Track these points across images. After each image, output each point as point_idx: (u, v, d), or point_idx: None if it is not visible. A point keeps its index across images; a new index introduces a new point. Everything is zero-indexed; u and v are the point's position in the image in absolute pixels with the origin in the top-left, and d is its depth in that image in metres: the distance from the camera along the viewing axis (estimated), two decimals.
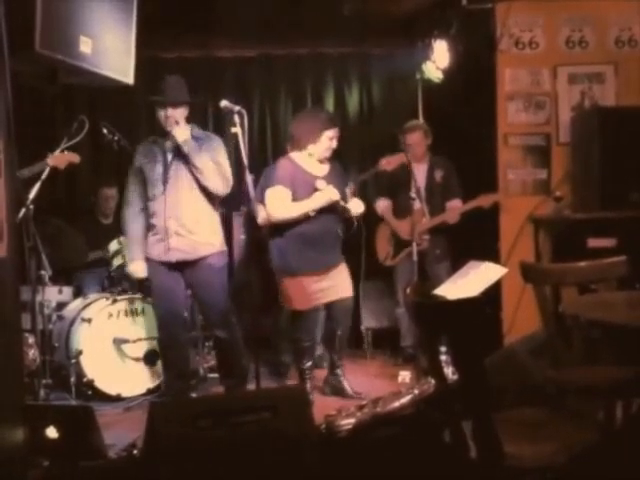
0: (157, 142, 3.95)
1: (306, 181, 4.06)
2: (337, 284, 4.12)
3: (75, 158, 4.31)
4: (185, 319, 4.16)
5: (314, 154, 4.11)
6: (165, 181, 3.86)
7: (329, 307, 4.19)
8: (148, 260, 3.97)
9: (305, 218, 4.03)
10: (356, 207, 4.15)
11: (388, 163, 4.46)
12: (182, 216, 3.86)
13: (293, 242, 4.06)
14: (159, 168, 3.88)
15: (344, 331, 4.23)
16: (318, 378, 4.36)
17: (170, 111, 3.82)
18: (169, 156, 3.90)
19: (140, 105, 5.74)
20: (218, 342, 4.06)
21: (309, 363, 4.20)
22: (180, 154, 3.85)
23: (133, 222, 3.98)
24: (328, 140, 4.09)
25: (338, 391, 4.20)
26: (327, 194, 4.03)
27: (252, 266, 4.06)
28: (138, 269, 3.98)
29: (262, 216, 4.83)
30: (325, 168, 4.17)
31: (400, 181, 4.70)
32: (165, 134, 3.90)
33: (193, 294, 4.10)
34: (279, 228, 4.10)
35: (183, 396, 3.96)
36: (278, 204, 4.05)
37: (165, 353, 4.07)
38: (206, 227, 3.92)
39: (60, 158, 4.22)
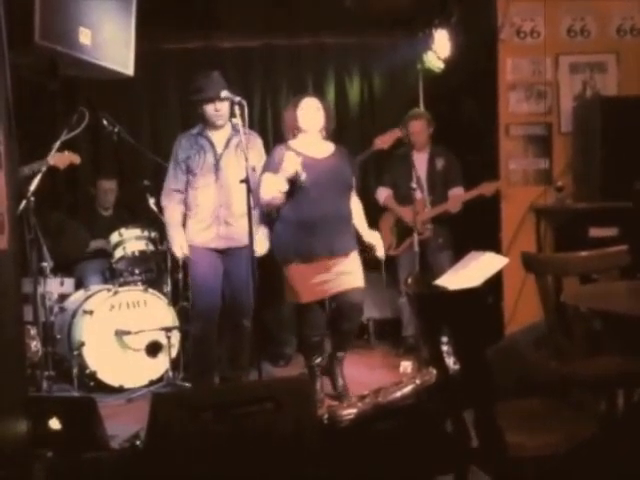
0: (203, 134, 4.04)
1: (304, 164, 3.83)
2: (344, 274, 3.89)
3: (76, 159, 4.31)
4: (218, 313, 4.07)
5: (303, 132, 3.99)
6: (217, 170, 3.96)
7: (335, 300, 3.95)
8: (191, 247, 4.03)
9: (303, 200, 3.82)
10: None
11: (383, 142, 4.44)
12: (232, 205, 3.95)
13: (290, 227, 3.89)
14: (210, 158, 3.99)
15: (352, 327, 4.02)
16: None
17: (219, 105, 3.94)
18: (219, 147, 4.01)
19: (141, 97, 5.74)
20: (237, 332, 4.04)
21: (318, 359, 4.04)
22: (230, 145, 3.99)
23: (175, 210, 4.08)
24: (300, 111, 3.97)
25: (328, 373, 4.09)
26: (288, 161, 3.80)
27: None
28: (182, 249, 4.04)
29: None
30: (326, 151, 4.00)
31: (401, 170, 4.69)
32: (205, 126, 4.05)
33: (229, 282, 4.05)
34: (278, 214, 4.00)
35: (185, 387, 3.96)
36: (262, 188, 3.91)
37: (196, 346, 4.06)
38: (246, 218, 3.92)
39: (61, 158, 4.22)
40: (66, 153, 4.25)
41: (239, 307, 4.01)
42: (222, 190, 3.96)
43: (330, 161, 3.98)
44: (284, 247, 3.94)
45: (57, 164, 4.20)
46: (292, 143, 4.00)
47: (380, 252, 4.09)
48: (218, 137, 4.04)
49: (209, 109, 3.97)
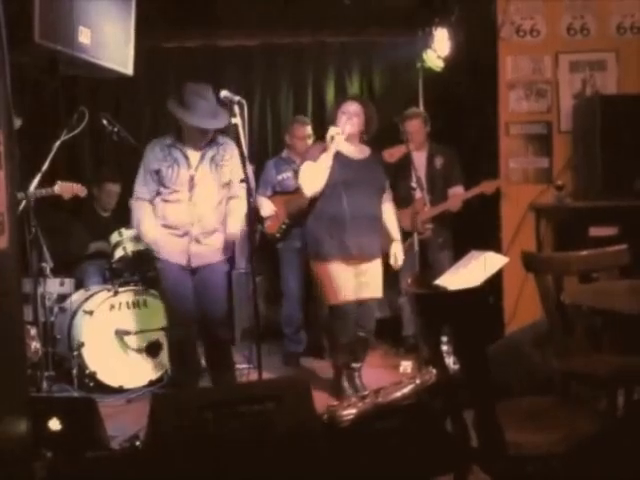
0: (176, 145, 3.84)
1: (341, 163, 3.96)
2: (370, 282, 4.02)
3: (82, 192, 4.38)
4: (195, 316, 3.96)
5: (341, 133, 3.97)
6: (191, 187, 3.81)
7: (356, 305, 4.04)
8: (161, 260, 3.88)
9: (337, 198, 3.91)
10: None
11: (391, 155, 4.45)
12: (204, 223, 3.83)
13: (324, 225, 3.97)
14: (184, 173, 3.80)
15: (368, 334, 4.14)
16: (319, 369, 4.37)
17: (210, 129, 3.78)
18: (193, 161, 3.83)
19: (141, 96, 5.75)
20: (214, 341, 3.97)
21: (345, 359, 4.07)
22: (205, 159, 3.83)
23: (150, 219, 3.86)
24: (342, 115, 4.00)
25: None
26: (332, 134, 3.91)
27: (254, 257, 4.00)
28: (156, 235, 3.84)
29: (265, 208, 4.81)
30: (362, 153, 4.09)
31: (400, 170, 4.69)
32: (179, 137, 3.86)
33: (200, 294, 3.91)
34: (312, 211, 4.06)
35: (186, 387, 3.95)
36: (305, 176, 3.99)
37: (178, 350, 3.99)
38: (221, 233, 3.91)
39: (67, 188, 4.28)
40: (74, 185, 4.32)
41: (214, 319, 3.92)
42: (195, 207, 3.80)
43: (365, 163, 4.07)
44: (315, 242, 4.01)
45: (63, 193, 4.27)
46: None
47: (396, 265, 4.19)
48: (193, 151, 3.85)
49: (194, 131, 3.77)
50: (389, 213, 4.22)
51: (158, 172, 3.82)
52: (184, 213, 3.81)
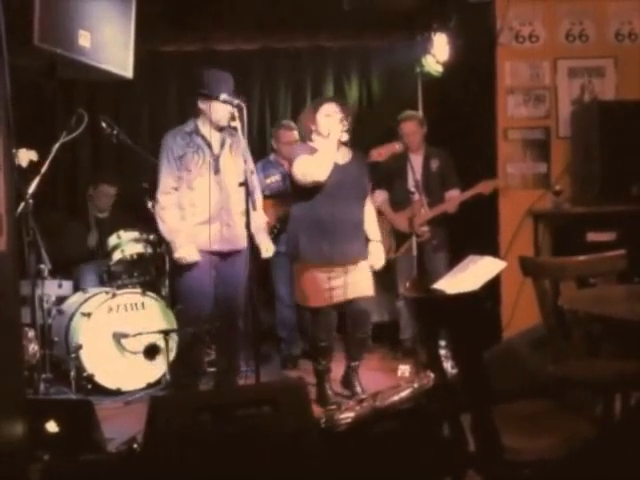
0: (198, 133, 3.91)
1: None
2: (354, 282, 3.96)
3: (34, 156, 4.16)
4: (208, 315, 3.96)
5: (325, 136, 3.96)
6: (216, 171, 3.88)
7: (345, 308, 4.02)
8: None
9: (321, 204, 3.89)
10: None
11: (379, 154, 4.43)
12: (231, 207, 3.89)
13: (305, 228, 3.94)
14: (208, 158, 3.88)
15: (365, 334, 4.08)
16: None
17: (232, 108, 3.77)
18: (215, 148, 3.92)
19: (140, 99, 5.75)
20: (232, 333, 4.01)
21: (325, 363, 4.06)
22: (225, 146, 3.92)
23: (172, 210, 3.88)
24: (326, 117, 3.97)
25: (347, 385, 4.16)
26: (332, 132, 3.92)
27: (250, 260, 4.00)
28: (192, 252, 3.84)
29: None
30: (345, 156, 4.06)
31: (396, 172, 4.69)
32: (199, 124, 3.92)
33: (224, 284, 3.94)
34: (293, 213, 4.05)
35: (184, 390, 3.96)
36: (303, 165, 3.91)
37: (187, 350, 4.00)
38: (244, 219, 3.93)
39: (22, 155, 4.09)
40: (23, 150, 4.16)
41: (234, 309, 3.99)
42: (222, 191, 3.87)
43: (349, 167, 4.04)
44: (297, 248, 3.97)
45: (20, 162, 4.13)
46: (312, 143, 4.03)
47: (377, 265, 4.14)
48: (214, 137, 3.91)
49: (222, 110, 3.81)
50: (368, 214, 4.16)
51: (182, 157, 3.87)
52: (212, 198, 3.85)
